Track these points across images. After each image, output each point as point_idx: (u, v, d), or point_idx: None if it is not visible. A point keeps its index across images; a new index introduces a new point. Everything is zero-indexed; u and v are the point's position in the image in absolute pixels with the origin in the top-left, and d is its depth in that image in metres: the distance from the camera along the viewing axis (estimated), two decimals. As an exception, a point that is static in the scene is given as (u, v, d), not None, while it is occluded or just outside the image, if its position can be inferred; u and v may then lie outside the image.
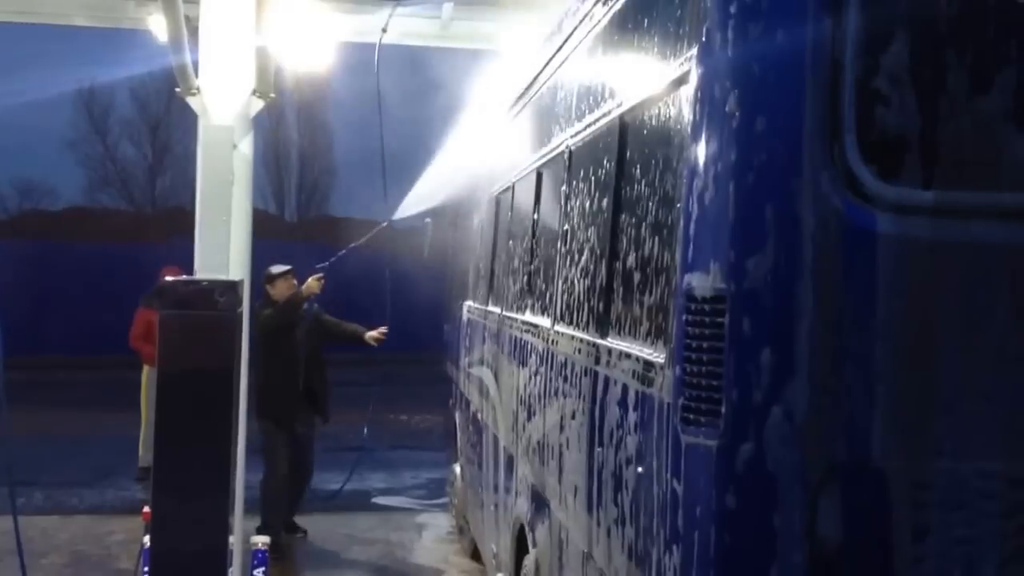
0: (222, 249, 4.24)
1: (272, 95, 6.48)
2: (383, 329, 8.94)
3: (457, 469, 8.77)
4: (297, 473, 8.45)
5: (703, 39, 2.57)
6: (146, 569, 5.22)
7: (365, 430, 9.33)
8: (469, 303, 8.12)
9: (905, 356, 2.41)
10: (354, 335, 9.04)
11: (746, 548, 2.43)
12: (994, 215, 2.44)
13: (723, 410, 2.43)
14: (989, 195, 2.45)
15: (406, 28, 9.79)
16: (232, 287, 3.77)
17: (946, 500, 2.42)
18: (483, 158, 7.30)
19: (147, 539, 5.35)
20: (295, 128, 38.81)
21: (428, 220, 10.93)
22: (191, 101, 6.22)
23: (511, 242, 5.82)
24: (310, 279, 8.23)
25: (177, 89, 6.25)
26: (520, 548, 4.90)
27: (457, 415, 8.78)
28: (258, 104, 6.35)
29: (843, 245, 2.41)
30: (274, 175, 38.19)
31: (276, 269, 8.47)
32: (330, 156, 38.87)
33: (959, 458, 2.42)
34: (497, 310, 6.21)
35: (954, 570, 2.42)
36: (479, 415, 6.98)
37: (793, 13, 2.44)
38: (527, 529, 4.66)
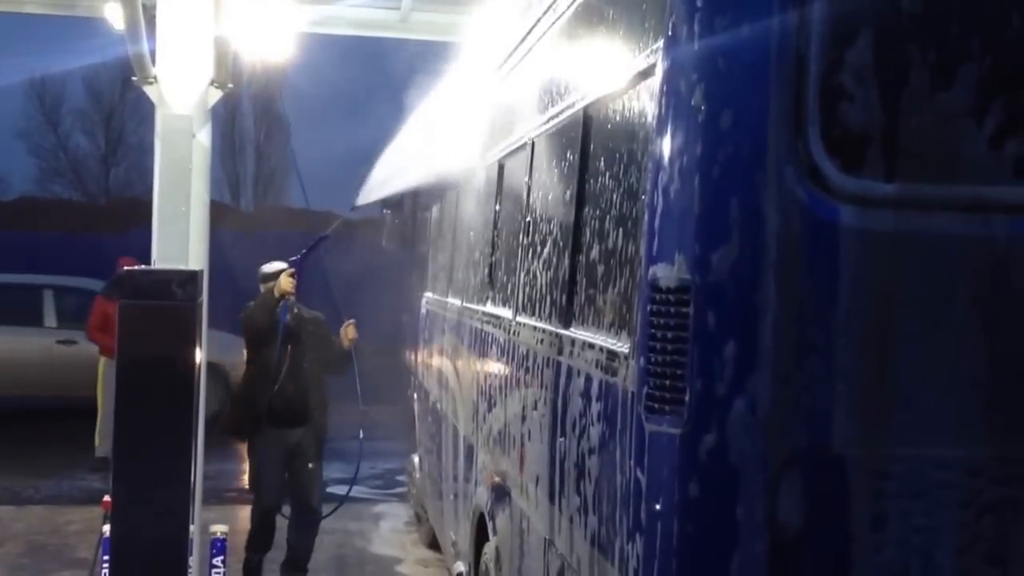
0: (181, 239, 4.22)
1: (230, 85, 6.45)
2: (351, 322, 7.47)
3: (415, 459, 8.78)
4: (296, 508, 7.13)
5: (669, 33, 2.59)
6: (106, 558, 5.20)
7: (361, 433, 7.61)
8: (428, 294, 8.12)
9: (866, 347, 2.45)
10: (340, 351, 7.41)
11: (708, 535, 2.47)
12: (954, 207, 2.49)
13: (687, 399, 2.46)
14: (949, 188, 2.50)
15: (365, 18, 9.79)
16: (192, 277, 3.75)
17: (905, 488, 2.46)
18: (443, 149, 7.30)
19: (106, 528, 5.33)
20: (251, 118, 38.60)
21: (387, 211, 10.90)
22: (148, 90, 6.16)
23: (472, 234, 5.83)
24: (281, 276, 6.94)
25: (134, 78, 6.20)
26: (480, 536, 4.93)
27: (415, 406, 8.78)
28: (216, 94, 6.31)
29: (806, 237, 2.44)
30: (229, 165, 37.94)
31: (270, 268, 7.14)
32: (286, 147, 38.66)
33: (918, 447, 2.47)
34: (457, 302, 6.22)
35: (911, 557, 2.47)
36: (438, 406, 6.99)
37: (758, 8, 2.47)
38: (487, 518, 4.68)
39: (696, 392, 2.45)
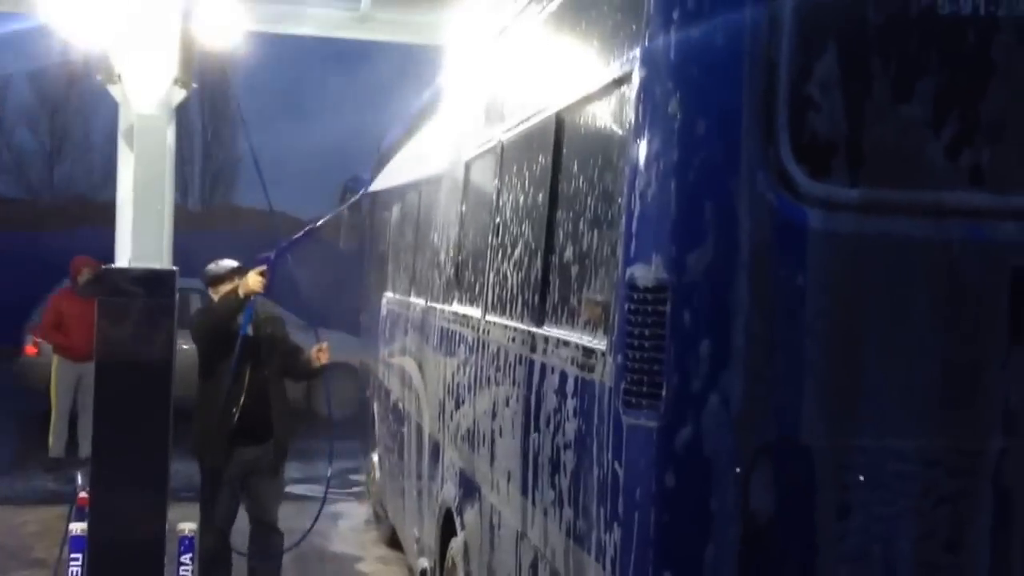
0: (156, 238, 4.27)
1: (194, 85, 6.48)
2: (324, 346, 6.76)
3: (375, 458, 8.84)
4: (255, 529, 6.49)
5: (646, 43, 2.71)
6: (73, 556, 5.23)
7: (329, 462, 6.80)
8: (389, 295, 8.18)
9: (832, 344, 2.59)
10: (308, 367, 6.78)
11: (684, 524, 2.59)
12: (914, 212, 2.64)
13: (663, 394, 2.58)
14: (910, 193, 2.64)
15: (323, 18, 9.80)
16: (169, 275, 3.80)
17: (868, 479, 2.60)
18: (406, 152, 7.36)
19: (73, 526, 5.35)
20: (198, 117, 38.26)
21: (344, 211, 10.92)
22: (112, 89, 6.19)
23: (437, 235, 5.92)
24: (249, 274, 6.08)
25: (99, 77, 6.22)
26: (446, 532, 5.01)
27: (375, 405, 8.83)
28: (180, 93, 6.35)
29: (777, 239, 2.57)
30: (176, 163, 37.49)
31: (219, 267, 6.40)
32: (234, 145, 38.39)
33: (880, 440, 2.61)
34: (421, 301, 6.30)
35: (874, 544, 2.61)
36: (401, 404, 7.06)
37: (732, 23, 2.60)
38: (455, 513, 4.76)
39: (672, 387, 2.57)
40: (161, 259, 4.20)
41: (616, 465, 2.70)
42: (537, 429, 3.43)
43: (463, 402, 4.72)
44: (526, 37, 4.07)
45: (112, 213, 6.40)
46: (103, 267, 4.16)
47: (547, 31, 3.80)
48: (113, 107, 6.63)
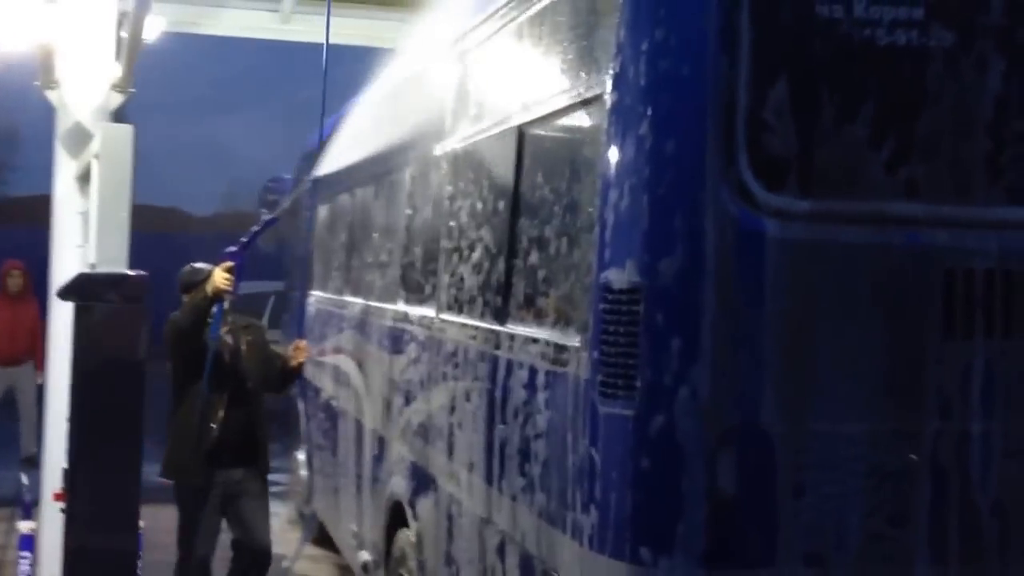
0: (120, 244, 4.40)
1: (132, 89, 6.56)
2: (302, 343, 6.53)
3: (301, 456, 8.92)
4: (243, 554, 6.18)
5: (617, 70, 2.98)
6: (22, 554, 5.33)
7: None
8: (317, 293, 8.29)
9: (788, 339, 2.89)
10: (285, 369, 6.38)
11: (657, 504, 2.86)
12: (858, 220, 2.96)
13: (638, 385, 2.86)
14: (854, 204, 2.97)
15: (244, 19, 9.88)
16: (142, 280, 3.93)
17: (821, 460, 2.91)
18: (341, 153, 7.44)
19: (21, 524, 5.43)
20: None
21: (264, 211, 10.97)
22: (49, 95, 6.28)
23: (377, 236, 6.07)
24: (215, 272, 5.56)
25: (36, 82, 6.29)
26: (393, 524, 5.19)
27: (301, 404, 8.91)
28: (117, 98, 6.44)
29: (738, 246, 2.87)
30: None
31: (195, 272, 5.93)
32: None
33: (832, 425, 2.92)
34: (359, 300, 6.44)
35: (827, 520, 2.91)
36: (335, 403, 7.17)
37: (696, 53, 2.90)
38: (405, 505, 4.95)
39: (646, 379, 2.85)
40: (124, 264, 4.35)
41: (593, 451, 2.96)
42: (504, 420, 3.66)
43: (414, 398, 4.90)
44: (491, 51, 4.23)
45: (11, 212, 6.52)
46: (80, 273, 4.27)
47: (516, 47, 3.98)
48: (9, 100, 6.76)
